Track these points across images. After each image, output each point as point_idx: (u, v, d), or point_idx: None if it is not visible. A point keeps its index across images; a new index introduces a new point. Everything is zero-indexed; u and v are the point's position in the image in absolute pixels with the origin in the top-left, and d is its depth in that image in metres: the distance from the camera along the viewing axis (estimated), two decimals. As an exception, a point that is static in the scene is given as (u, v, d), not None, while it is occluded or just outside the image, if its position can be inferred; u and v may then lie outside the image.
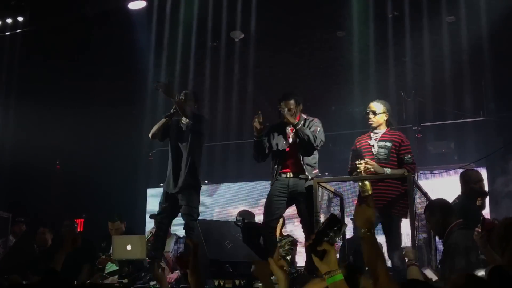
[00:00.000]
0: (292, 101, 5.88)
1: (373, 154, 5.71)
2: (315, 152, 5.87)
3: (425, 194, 5.98)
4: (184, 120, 6.34)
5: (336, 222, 2.24)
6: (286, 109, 5.81)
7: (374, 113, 5.83)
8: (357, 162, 5.67)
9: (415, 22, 7.82)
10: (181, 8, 7.96)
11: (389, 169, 5.58)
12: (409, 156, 5.69)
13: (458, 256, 4.51)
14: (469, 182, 5.88)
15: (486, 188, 6.29)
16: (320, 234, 2.25)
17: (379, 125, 5.84)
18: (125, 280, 5.92)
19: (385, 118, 5.85)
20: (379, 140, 5.78)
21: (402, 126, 9.99)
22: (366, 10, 7.69)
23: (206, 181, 12.67)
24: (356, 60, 8.63)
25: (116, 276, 6.15)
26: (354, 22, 8.00)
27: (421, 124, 10.08)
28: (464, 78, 9.13)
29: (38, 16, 7.99)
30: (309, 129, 5.80)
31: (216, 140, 11.66)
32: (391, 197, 5.63)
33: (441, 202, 5.08)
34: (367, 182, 5.53)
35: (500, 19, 7.33)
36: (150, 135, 6.51)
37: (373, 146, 5.74)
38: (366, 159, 5.60)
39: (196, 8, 7.84)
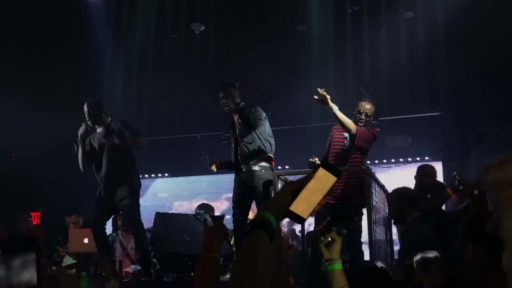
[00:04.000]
0: (227, 89, 5.90)
1: (344, 147, 5.83)
2: (261, 142, 5.85)
3: (382, 187, 6.07)
4: (98, 129, 6.29)
5: (348, 218, 2.35)
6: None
7: (368, 116, 5.89)
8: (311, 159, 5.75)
9: (374, 17, 7.89)
10: (140, -2, 7.88)
11: (336, 107, 5.59)
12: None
13: (422, 249, 4.57)
14: (422, 175, 5.98)
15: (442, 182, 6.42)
16: (331, 224, 2.35)
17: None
18: (83, 274, 5.86)
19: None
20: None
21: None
22: (326, 4, 7.73)
23: (166, 174, 12.60)
24: (315, 54, 8.67)
25: (74, 270, 6.09)
26: (314, 16, 8.04)
27: (379, 118, 10.20)
28: (421, 73, 9.26)
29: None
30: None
31: (176, 133, 11.60)
32: (349, 185, 5.68)
33: (409, 191, 5.15)
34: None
35: (457, 15, 7.45)
36: (82, 170, 6.44)
37: (346, 138, 5.84)
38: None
39: (156, -1, 7.77)
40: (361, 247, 5.67)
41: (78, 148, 6.19)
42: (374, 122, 9.91)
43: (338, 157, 5.80)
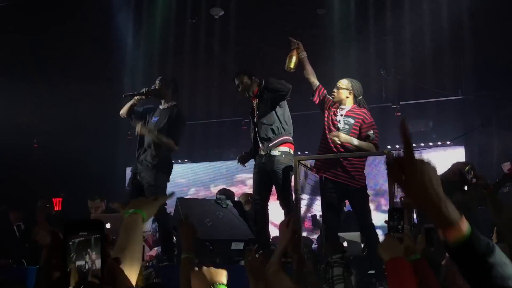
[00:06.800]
0: (243, 76, 5.91)
1: (338, 129, 5.74)
2: (280, 124, 5.84)
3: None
4: (161, 106, 6.31)
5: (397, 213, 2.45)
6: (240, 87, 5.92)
7: (337, 88, 5.85)
8: (330, 135, 5.67)
9: (395, 0, 7.81)
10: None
11: (356, 140, 5.59)
12: (371, 131, 5.70)
13: None
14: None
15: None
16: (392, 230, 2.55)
17: (340, 100, 5.83)
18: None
19: (347, 95, 5.82)
20: (344, 116, 5.79)
21: (381, 104, 10.05)
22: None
23: (186, 160, 12.64)
24: (336, 38, 8.61)
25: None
26: (335, -1, 7.99)
27: (400, 103, 10.12)
28: (443, 56, 9.16)
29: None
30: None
31: (196, 118, 11.61)
32: (354, 171, 5.67)
33: (445, 176, 5.08)
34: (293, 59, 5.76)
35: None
36: (120, 113, 6.48)
37: (339, 121, 5.77)
38: (334, 134, 5.60)
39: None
40: (374, 229, 5.67)
41: (131, 97, 6.26)
42: (394, 106, 9.93)
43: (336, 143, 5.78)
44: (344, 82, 5.86)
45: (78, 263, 1.24)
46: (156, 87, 6.24)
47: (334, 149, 5.71)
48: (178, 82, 6.55)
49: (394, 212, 2.50)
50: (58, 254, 1.22)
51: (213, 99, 10.79)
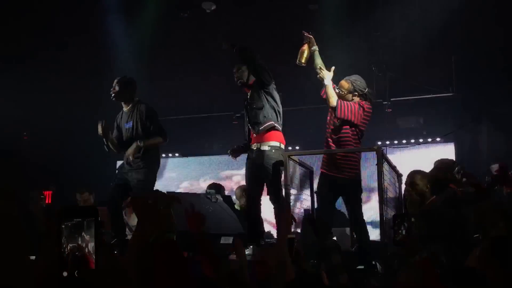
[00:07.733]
0: (238, 65, 5.97)
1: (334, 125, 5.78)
2: (270, 109, 5.82)
3: (393, 168, 6.03)
4: (124, 108, 6.24)
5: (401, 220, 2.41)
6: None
7: (340, 91, 5.85)
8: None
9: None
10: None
11: (327, 81, 5.73)
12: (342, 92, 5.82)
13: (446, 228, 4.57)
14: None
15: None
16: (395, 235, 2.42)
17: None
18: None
19: (351, 98, 5.81)
20: None
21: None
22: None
23: (177, 154, 12.61)
24: (327, 34, 8.60)
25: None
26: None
27: (391, 99, 10.14)
28: (434, 53, 9.18)
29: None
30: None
31: (187, 113, 11.59)
32: (344, 164, 5.69)
33: (434, 176, 5.11)
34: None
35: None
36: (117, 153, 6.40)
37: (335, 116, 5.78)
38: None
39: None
40: (365, 224, 5.69)
41: (107, 144, 6.16)
42: (385, 103, 9.95)
43: (331, 137, 5.79)
44: (344, 86, 5.82)
45: (71, 245, 1.24)
46: (116, 89, 6.16)
47: (331, 143, 5.76)
48: (135, 81, 6.38)
49: (397, 218, 2.50)
50: (53, 238, 1.23)
51: (204, 93, 10.76)
